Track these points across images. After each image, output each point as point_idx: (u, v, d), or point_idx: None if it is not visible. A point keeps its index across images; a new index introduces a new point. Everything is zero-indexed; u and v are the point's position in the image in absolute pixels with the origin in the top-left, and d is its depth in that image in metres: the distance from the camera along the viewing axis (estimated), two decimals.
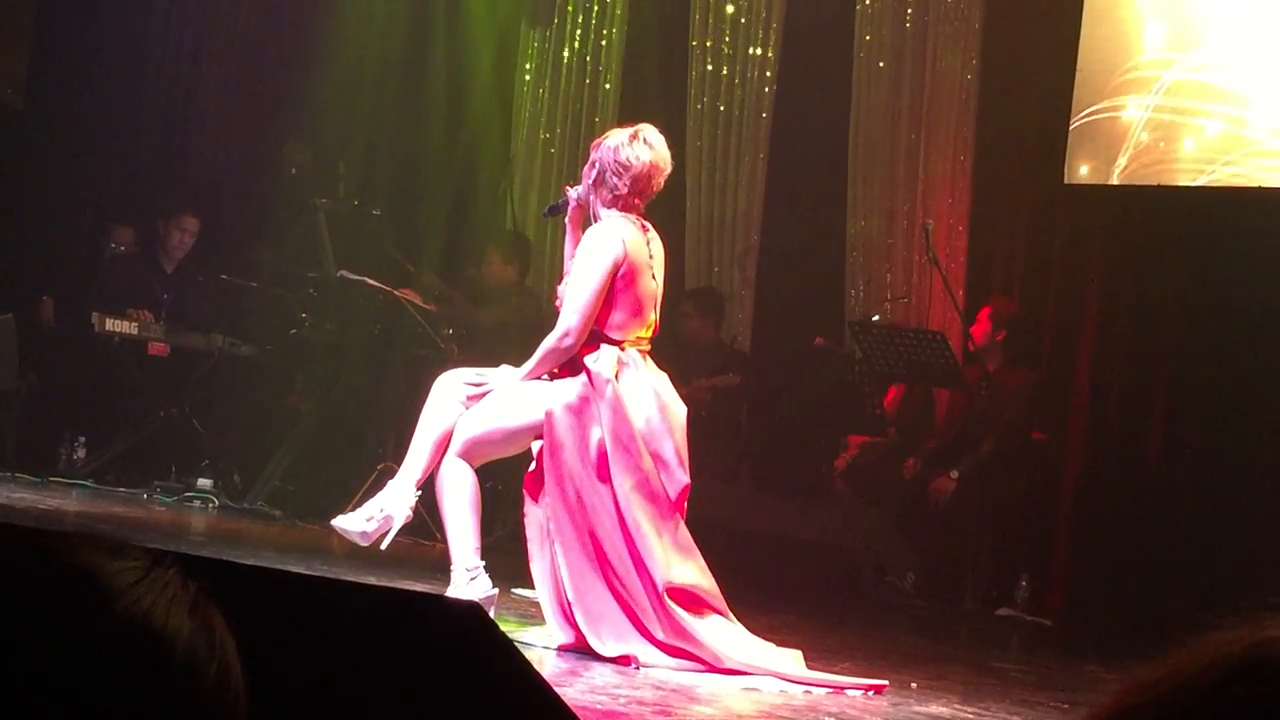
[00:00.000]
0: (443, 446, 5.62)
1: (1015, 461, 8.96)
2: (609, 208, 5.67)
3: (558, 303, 5.74)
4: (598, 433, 5.48)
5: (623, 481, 5.44)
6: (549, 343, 5.63)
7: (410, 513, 5.66)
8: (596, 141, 5.80)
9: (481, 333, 9.41)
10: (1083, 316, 9.30)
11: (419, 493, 5.65)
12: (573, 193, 5.86)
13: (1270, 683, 0.89)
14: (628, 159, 5.62)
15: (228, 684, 1.07)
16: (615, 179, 5.63)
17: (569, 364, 5.63)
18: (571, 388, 5.55)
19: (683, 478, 5.58)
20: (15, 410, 9.63)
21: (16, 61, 10.82)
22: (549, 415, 5.50)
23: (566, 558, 5.44)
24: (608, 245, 5.60)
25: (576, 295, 5.59)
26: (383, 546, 5.66)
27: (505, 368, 5.78)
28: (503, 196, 10.74)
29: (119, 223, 10.36)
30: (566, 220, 5.89)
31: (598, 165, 5.68)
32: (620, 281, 5.60)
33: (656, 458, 5.53)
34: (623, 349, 5.60)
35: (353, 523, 5.62)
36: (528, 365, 5.67)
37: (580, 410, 5.50)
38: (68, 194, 10.53)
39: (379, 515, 5.59)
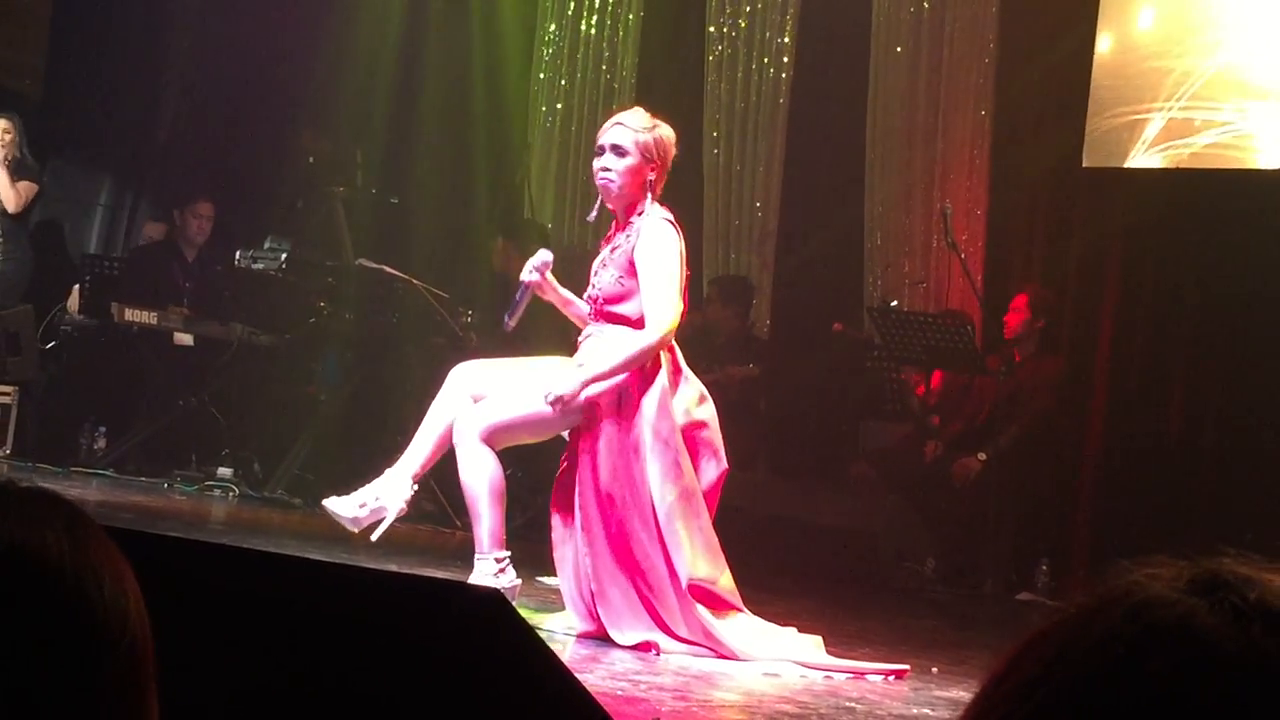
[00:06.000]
0: (444, 442, 5.46)
1: (1041, 449, 8.93)
2: (656, 200, 5.51)
3: (589, 305, 5.58)
4: (636, 424, 5.33)
5: (658, 475, 5.30)
6: (644, 341, 5.32)
7: (405, 506, 5.48)
8: (646, 140, 5.44)
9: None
10: (1102, 299, 9.28)
11: (415, 486, 5.49)
12: (530, 274, 5.60)
13: (1155, 655, 0.86)
14: (670, 149, 5.53)
15: (125, 609, 1.03)
16: (664, 170, 5.51)
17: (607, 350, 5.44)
18: None
19: (722, 464, 5.51)
20: (36, 400, 9.66)
21: (34, 52, 10.84)
22: (587, 403, 5.35)
23: (592, 548, 5.35)
24: (675, 239, 5.45)
25: (664, 292, 5.35)
26: (373, 538, 5.51)
27: (526, 359, 5.70)
28: (520, 185, 10.72)
29: (151, 219, 10.40)
30: (538, 293, 5.62)
31: (657, 156, 5.45)
32: None
33: (696, 446, 5.43)
34: None
35: (344, 507, 5.45)
36: (610, 363, 5.34)
37: (619, 400, 5.36)
38: (86, 184, 10.55)
39: (372, 503, 5.43)
